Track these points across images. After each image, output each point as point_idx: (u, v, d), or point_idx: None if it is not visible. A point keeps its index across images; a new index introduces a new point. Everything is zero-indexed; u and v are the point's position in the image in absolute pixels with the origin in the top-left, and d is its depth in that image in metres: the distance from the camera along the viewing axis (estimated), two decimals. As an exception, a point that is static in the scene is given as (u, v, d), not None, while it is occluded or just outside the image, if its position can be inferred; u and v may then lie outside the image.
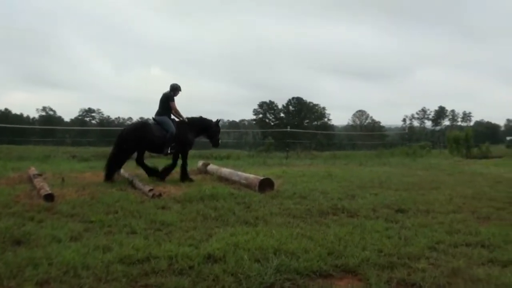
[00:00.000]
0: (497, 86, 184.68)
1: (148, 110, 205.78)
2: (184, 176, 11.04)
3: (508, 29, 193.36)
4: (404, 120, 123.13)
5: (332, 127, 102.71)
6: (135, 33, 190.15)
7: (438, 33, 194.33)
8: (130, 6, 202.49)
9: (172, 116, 11.37)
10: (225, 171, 11.51)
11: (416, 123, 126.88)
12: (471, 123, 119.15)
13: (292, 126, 45.69)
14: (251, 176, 10.01)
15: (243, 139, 66.78)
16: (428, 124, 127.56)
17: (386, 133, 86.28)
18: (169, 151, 11.13)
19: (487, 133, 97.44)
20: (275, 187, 9.38)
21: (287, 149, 26.84)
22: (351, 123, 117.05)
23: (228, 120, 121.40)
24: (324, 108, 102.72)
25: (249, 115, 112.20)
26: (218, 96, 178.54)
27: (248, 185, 9.60)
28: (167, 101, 11.29)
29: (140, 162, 11.36)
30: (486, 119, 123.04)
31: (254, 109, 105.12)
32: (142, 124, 11.79)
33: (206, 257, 4.61)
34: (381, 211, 7.26)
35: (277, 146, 33.29)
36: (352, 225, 6.23)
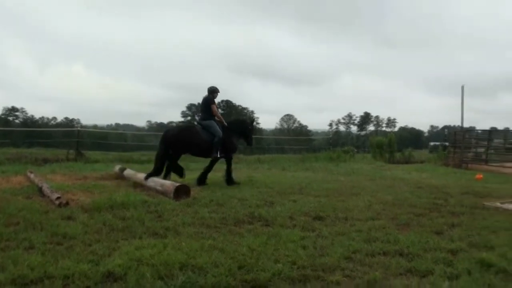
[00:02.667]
0: (421, 94, 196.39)
1: (73, 110, 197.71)
2: (230, 180, 11.59)
3: (430, 40, 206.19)
4: (330, 124, 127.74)
5: (260, 130, 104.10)
6: (57, 30, 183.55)
7: (364, 41, 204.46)
8: (53, 2, 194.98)
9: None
10: (141, 176, 11.09)
11: (342, 128, 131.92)
12: (396, 129, 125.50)
13: None
14: (167, 182, 9.73)
15: None
16: (354, 129, 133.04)
17: (313, 137, 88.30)
18: (218, 155, 11.58)
19: (411, 139, 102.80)
20: (192, 194, 9.11)
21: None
22: (279, 127, 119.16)
23: (156, 122, 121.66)
24: (252, 112, 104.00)
25: (177, 117, 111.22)
26: (144, 97, 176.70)
27: (163, 192, 9.31)
28: (208, 105, 11.73)
29: (174, 164, 11.56)
30: (410, 125, 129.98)
31: (183, 111, 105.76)
32: (189, 127, 12.44)
33: (106, 275, 4.36)
34: (298, 219, 7.23)
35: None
36: (267, 235, 6.13)
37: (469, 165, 20.86)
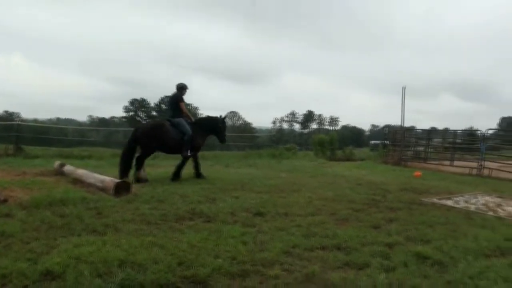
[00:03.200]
0: (363, 94, 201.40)
1: (12, 103, 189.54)
2: (199, 174, 11.96)
3: (373, 41, 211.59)
4: (274, 122, 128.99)
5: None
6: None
7: (308, 40, 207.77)
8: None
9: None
10: (81, 172, 10.79)
11: (285, 126, 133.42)
12: (338, 127, 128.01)
13: None
14: (107, 178, 9.46)
15: (112, 137, 64.60)
16: (297, 127, 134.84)
17: (257, 135, 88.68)
18: (189, 154, 11.70)
19: (353, 137, 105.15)
20: (132, 190, 8.95)
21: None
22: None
23: (97, 117, 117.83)
24: (196, 108, 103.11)
25: (119, 112, 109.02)
26: (86, 91, 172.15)
27: (103, 189, 9.06)
28: (177, 102, 11.91)
29: (140, 163, 11.35)
30: (352, 124, 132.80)
31: (125, 106, 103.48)
32: (159, 124, 11.85)
33: (44, 273, 4.27)
34: (239, 215, 7.26)
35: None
36: (208, 230, 6.12)
37: (408, 163, 21.51)
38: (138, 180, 10.85)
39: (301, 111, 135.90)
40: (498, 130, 54.48)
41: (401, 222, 7.19)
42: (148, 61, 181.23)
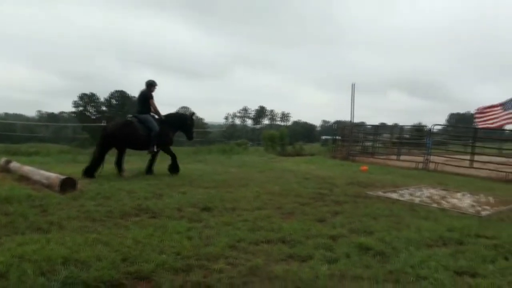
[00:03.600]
0: (315, 90, 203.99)
1: None
2: (175, 167, 12.28)
3: (324, 38, 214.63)
4: (226, 117, 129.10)
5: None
6: None
7: (259, 36, 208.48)
8: None
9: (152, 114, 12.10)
10: (27, 169, 10.56)
11: (238, 121, 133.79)
12: (289, 123, 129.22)
13: None
14: (53, 175, 9.25)
15: (62, 133, 63.20)
16: (249, 122, 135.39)
17: (209, 130, 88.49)
18: (155, 149, 11.93)
19: (304, 133, 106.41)
20: (79, 187, 8.77)
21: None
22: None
23: (46, 112, 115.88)
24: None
25: (69, 107, 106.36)
26: (35, 85, 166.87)
27: (49, 186, 8.89)
28: (145, 99, 12.04)
29: (118, 163, 11.78)
30: (303, 120, 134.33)
31: (74, 101, 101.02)
32: (127, 122, 12.01)
33: None
34: (186, 210, 7.23)
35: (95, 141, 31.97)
36: (153, 226, 6.07)
37: (356, 158, 21.93)
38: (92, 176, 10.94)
39: (253, 107, 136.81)
40: (447, 126, 56.19)
41: (346, 215, 7.34)
42: (98, 56, 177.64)
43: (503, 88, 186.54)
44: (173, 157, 12.32)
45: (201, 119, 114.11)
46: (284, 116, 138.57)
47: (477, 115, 21.82)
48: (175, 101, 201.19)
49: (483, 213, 8.30)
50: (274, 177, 12.20)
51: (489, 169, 16.88)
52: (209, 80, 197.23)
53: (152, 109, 12.09)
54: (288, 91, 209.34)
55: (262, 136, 33.39)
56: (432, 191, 11.02)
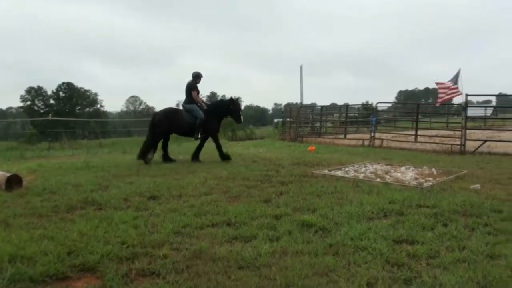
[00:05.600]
0: (265, 73, 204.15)
1: None
2: (223, 155, 12.88)
3: (273, 22, 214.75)
4: (177, 105, 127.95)
5: (105, 114, 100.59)
6: None
7: (205, 21, 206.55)
8: None
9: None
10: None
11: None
12: (242, 107, 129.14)
13: (63, 114, 43.07)
14: (-2, 173, 9.03)
15: (10, 129, 61.28)
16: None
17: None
18: (199, 136, 12.83)
19: (256, 116, 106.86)
20: (24, 183, 8.62)
21: (50, 139, 26.27)
22: (125, 109, 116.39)
23: None
24: (96, 94, 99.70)
25: (16, 103, 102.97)
26: None
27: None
28: (189, 90, 12.92)
29: (164, 148, 12.98)
30: (255, 104, 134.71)
31: (22, 96, 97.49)
32: (174, 110, 13.49)
33: None
34: (133, 200, 7.25)
35: (44, 136, 31.26)
36: (99, 218, 6.06)
37: (305, 139, 22.26)
38: (146, 161, 12.27)
39: (204, 93, 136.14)
40: (392, 103, 57.42)
41: (291, 195, 7.53)
42: (43, 45, 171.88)
43: (450, 64, 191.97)
44: (218, 146, 12.98)
45: (152, 108, 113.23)
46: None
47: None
48: (125, 90, 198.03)
49: (426, 184, 8.61)
50: (222, 162, 12.34)
51: (435, 143, 17.46)
52: (158, 68, 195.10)
53: (194, 100, 12.88)
54: (238, 75, 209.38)
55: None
56: (377, 166, 11.35)
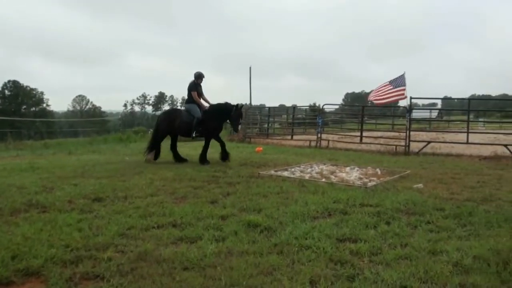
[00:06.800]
0: (212, 74, 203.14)
1: None
2: (202, 158, 12.44)
3: (219, 20, 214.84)
4: (125, 105, 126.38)
5: (52, 113, 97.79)
6: None
7: (153, 20, 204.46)
8: None
9: (206, 104, 12.91)
10: None
11: (137, 108, 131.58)
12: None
13: (9, 113, 41.62)
14: None
15: None
16: (149, 109, 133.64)
17: (107, 119, 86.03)
18: (194, 135, 12.82)
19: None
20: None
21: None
22: (71, 108, 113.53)
23: None
24: (42, 93, 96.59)
25: None
26: None
27: None
28: (189, 90, 12.94)
29: (172, 149, 13.18)
30: (204, 104, 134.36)
31: None
32: (174, 110, 14.66)
33: None
34: (77, 202, 7.12)
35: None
36: (43, 221, 5.94)
37: (253, 140, 22.39)
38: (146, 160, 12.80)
39: (152, 93, 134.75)
40: (339, 104, 58.51)
41: (237, 195, 7.58)
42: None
43: (393, 66, 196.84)
44: (222, 145, 12.81)
45: (99, 107, 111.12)
46: (184, 101, 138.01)
47: (372, 96, 22.99)
48: (71, 90, 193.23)
49: (370, 184, 8.84)
50: (169, 163, 12.26)
51: (380, 144, 17.90)
52: (103, 67, 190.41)
53: (194, 99, 12.80)
54: (187, 76, 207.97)
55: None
56: (322, 167, 11.56)
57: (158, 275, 4.06)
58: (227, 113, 12.69)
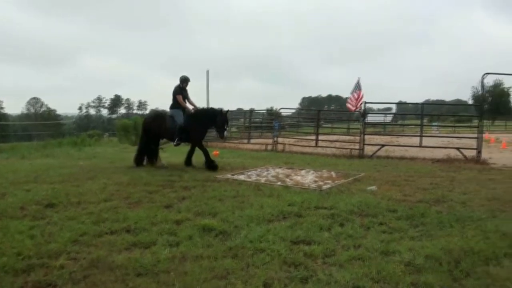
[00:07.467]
0: (169, 77, 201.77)
1: None
2: (188, 161, 12.55)
3: (174, 24, 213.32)
4: (80, 108, 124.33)
5: (5, 116, 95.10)
6: None
7: (108, 21, 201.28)
8: None
9: (191, 107, 12.73)
10: None
11: (93, 111, 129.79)
12: (147, 111, 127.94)
13: None
14: None
15: None
16: (105, 112, 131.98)
17: (63, 122, 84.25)
18: (175, 142, 12.52)
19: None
20: None
21: None
22: (25, 111, 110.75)
23: None
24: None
25: None
26: None
27: None
28: (174, 94, 12.64)
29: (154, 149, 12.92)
30: (161, 107, 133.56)
31: None
32: (160, 114, 13.57)
33: None
34: (30, 208, 6.94)
35: None
36: (-6, 229, 5.75)
37: (209, 143, 22.31)
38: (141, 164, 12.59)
39: (108, 96, 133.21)
40: (295, 109, 59.06)
41: (193, 199, 7.56)
42: None
43: (350, 71, 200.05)
44: (190, 150, 12.71)
45: (53, 110, 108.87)
46: (141, 105, 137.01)
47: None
48: (25, 92, 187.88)
49: (324, 187, 8.94)
50: (123, 168, 12.10)
51: (335, 147, 18.13)
52: (57, 68, 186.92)
53: (180, 104, 12.52)
54: (143, 78, 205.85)
55: (115, 126, 32.56)
56: (278, 170, 11.64)
57: (111, 282, 4.01)
58: (212, 119, 12.44)
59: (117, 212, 6.60)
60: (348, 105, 20.26)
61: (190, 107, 12.70)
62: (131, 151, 19.02)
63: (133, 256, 4.64)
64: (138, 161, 12.66)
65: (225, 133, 12.86)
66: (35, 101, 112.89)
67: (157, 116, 13.32)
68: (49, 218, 6.34)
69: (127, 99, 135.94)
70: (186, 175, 10.27)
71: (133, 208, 6.96)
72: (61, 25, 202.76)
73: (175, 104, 12.64)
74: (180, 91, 12.68)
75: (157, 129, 12.68)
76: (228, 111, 13.04)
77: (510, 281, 4.07)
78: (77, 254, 4.76)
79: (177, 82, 12.78)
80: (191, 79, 12.73)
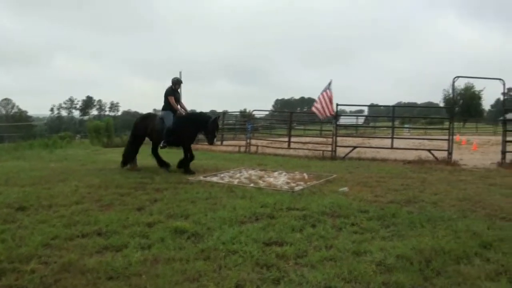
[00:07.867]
0: (142, 79, 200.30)
1: None
2: (183, 165, 12.07)
3: (147, 25, 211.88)
4: (52, 109, 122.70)
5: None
6: None
7: (81, 22, 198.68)
8: None
9: (181, 110, 12.58)
10: None
11: (64, 113, 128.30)
12: (119, 113, 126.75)
13: None
14: None
15: None
16: (77, 113, 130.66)
17: (34, 123, 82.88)
18: (161, 145, 12.17)
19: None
20: None
21: None
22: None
23: None
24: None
25: None
26: None
27: None
28: (166, 96, 12.46)
29: (154, 153, 12.75)
30: (134, 109, 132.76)
31: None
32: (150, 115, 13.41)
33: None
34: (0, 212, 6.81)
35: None
36: (-36, 233, 5.64)
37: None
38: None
39: (80, 97, 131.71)
40: (268, 110, 59.25)
41: (165, 202, 7.53)
42: None
43: (323, 74, 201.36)
44: (185, 156, 12.23)
45: (25, 112, 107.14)
46: (113, 106, 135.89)
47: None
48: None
49: (297, 188, 9.02)
50: (95, 170, 11.96)
51: (307, 149, 18.25)
52: (29, 68, 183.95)
53: (171, 106, 12.34)
54: (117, 80, 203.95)
55: (87, 128, 32.25)
56: (251, 172, 11.68)
57: (82, 286, 3.99)
58: (203, 124, 12.21)
59: (88, 215, 6.54)
60: (314, 109, 20.30)
61: (181, 110, 12.58)
62: (103, 153, 18.97)
63: (105, 259, 4.61)
64: (129, 160, 12.57)
65: (215, 139, 12.77)
66: (6, 102, 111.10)
67: (145, 117, 13.15)
68: (20, 222, 6.24)
69: (99, 101, 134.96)
70: (158, 178, 10.21)
71: (104, 210, 6.91)
72: (33, 25, 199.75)
73: (167, 106, 12.45)
74: (173, 92, 12.57)
75: (144, 129, 12.54)
76: (219, 117, 13.14)
77: (481, 280, 4.17)
78: (48, 258, 4.72)
79: (169, 84, 12.72)
80: (169, 81, 12.65)
